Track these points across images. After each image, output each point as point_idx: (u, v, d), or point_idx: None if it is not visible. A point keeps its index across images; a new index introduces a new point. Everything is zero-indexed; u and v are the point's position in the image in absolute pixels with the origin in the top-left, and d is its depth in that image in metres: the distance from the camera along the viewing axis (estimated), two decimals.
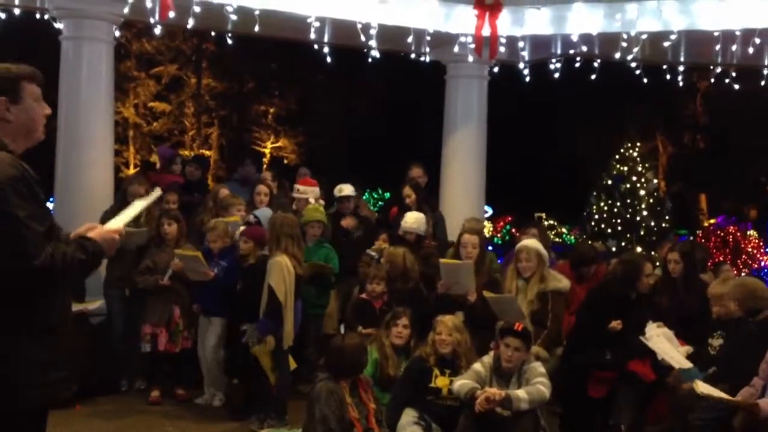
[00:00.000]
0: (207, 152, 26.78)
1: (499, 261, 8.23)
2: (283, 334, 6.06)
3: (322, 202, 7.98)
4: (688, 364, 5.64)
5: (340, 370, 5.11)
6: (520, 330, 5.34)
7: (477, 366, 5.43)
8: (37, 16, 8.69)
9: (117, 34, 8.49)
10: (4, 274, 2.69)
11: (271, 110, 28.04)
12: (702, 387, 5.04)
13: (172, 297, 6.95)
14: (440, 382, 5.64)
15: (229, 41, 9.20)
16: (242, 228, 6.91)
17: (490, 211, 23.81)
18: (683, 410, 5.43)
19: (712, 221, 21.94)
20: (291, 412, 6.25)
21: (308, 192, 7.77)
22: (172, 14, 7.71)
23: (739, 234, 16.60)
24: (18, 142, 2.87)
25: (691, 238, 16.90)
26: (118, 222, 3.13)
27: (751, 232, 17.65)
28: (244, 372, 6.51)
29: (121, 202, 6.67)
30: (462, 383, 5.28)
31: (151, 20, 7.99)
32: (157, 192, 3.51)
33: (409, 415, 5.50)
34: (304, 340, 6.86)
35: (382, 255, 7.01)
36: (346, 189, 7.93)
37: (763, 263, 16.28)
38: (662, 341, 5.80)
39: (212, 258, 6.93)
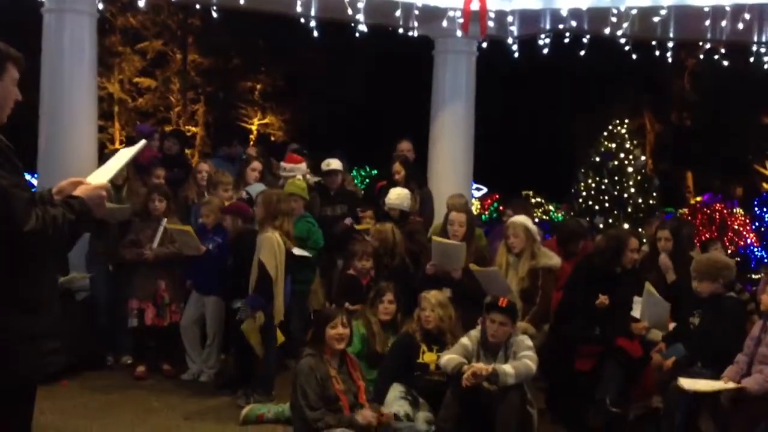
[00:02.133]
0: (193, 129, 26.56)
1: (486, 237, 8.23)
2: (273, 309, 6.03)
3: (310, 177, 7.92)
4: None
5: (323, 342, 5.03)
6: (504, 305, 5.35)
7: (464, 340, 5.44)
8: None
9: (100, 6, 8.35)
10: None
11: (258, 87, 27.81)
12: (686, 383, 5.03)
13: (157, 271, 6.92)
14: (428, 357, 5.65)
15: (215, 15, 9.07)
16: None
17: (484, 189, 23.79)
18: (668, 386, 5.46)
19: (698, 199, 22.03)
20: (278, 387, 6.24)
21: (295, 170, 7.71)
22: None
23: (725, 211, 16.70)
24: None
25: (678, 214, 16.96)
26: (103, 176, 3.07)
27: (737, 209, 17.76)
28: (238, 348, 6.48)
29: None
30: (449, 358, 5.29)
31: None
32: (141, 143, 3.43)
33: (396, 390, 5.50)
34: (288, 315, 6.83)
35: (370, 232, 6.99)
36: (334, 163, 7.88)
37: (749, 240, 16.39)
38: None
39: (206, 234, 6.90)
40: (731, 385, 4.95)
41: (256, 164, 7.77)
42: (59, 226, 2.73)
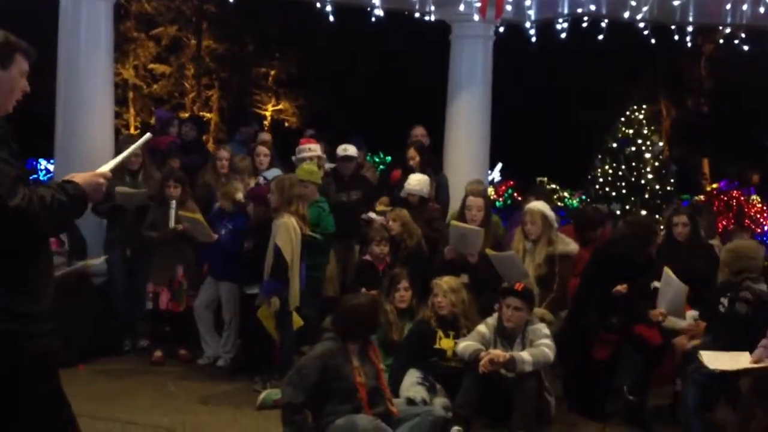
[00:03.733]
0: (208, 114, 26.57)
1: (503, 225, 8.19)
2: (288, 295, 6.03)
3: (325, 163, 7.92)
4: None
5: (352, 331, 4.85)
6: (520, 290, 5.33)
7: (481, 327, 5.43)
8: None
9: None
10: None
11: (272, 72, 27.78)
12: (707, 358, 4.85)
13: (175, 256, 6.93)
14: (445, 343, 5.64)
15: (230, 0, 9.04)
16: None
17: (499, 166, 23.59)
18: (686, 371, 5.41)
19: (714, 186, 21.85)
20: None
21: (317, 149, 7.73)
22: None
23: (742, 198, 16.55)
24: None
25: (695, 200, 16.83)
26: (106, 166, 3.07)
27: (754, 196, 17.60)
28: (254, 333, 6.48)
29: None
30: (466, 345, 5.29)
31: None
32: (146, 136, 3.47)
33: (413, 376, 5.50)
34: (303, 301, 6.82)
35: (387, 217, 6.97)
36: (350, 149, 7.84)
37: (766, 227, 16.24)
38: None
39: (222, 219, 6.90)
40: (753, 363, 4.80)
41: (261, 149, 7.75)
42: (47, 206, 2.68)
